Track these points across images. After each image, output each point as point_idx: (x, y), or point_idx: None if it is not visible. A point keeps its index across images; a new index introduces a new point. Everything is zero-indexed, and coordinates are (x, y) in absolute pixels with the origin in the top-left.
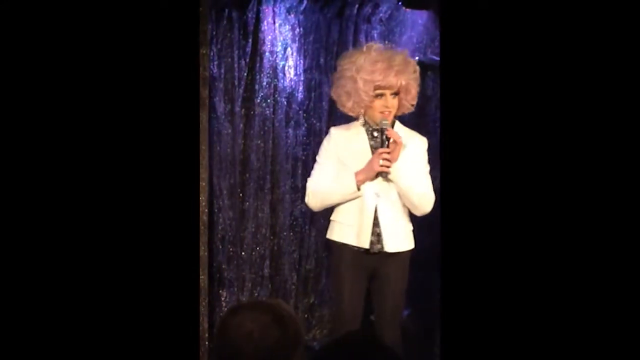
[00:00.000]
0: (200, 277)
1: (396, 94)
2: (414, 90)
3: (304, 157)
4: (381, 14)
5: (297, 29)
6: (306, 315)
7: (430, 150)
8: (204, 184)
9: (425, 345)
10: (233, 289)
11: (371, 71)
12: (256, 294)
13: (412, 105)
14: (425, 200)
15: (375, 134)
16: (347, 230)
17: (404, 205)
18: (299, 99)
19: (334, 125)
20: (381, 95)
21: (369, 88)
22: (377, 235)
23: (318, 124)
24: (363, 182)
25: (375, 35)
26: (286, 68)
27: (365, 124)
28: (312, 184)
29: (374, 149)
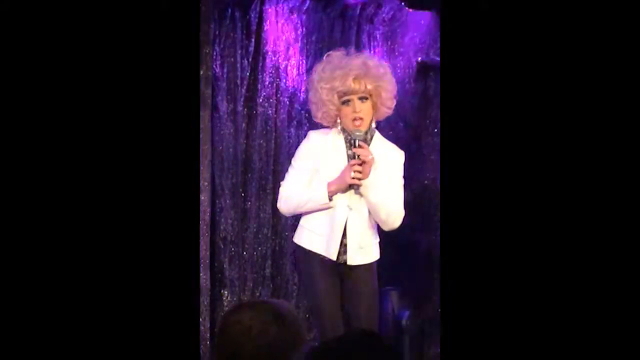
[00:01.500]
0: (202, 276)
1: (365, 98)
2: (386, 92)
3: None
4: (384, 15)
5: (300, 29)
6: (307, 315)
7: (431, 151)
8: (206, 183)
9: (425, 346)
10: (234, 289)
11: (331, 79)
12: (258, 294)
13: (390, 108)
14: (393, 217)
15: (352, 142)
16: (316, 238)
17: (374, 220)
18: (301, 98)
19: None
20: (348, 101)
21: (332, 96)
22: (344, 246)
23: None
24: (335, 193)
25: (378, 35)
26: (289, 68)
27: (344, 131)
28: (285, 189)
29: (350, 158)
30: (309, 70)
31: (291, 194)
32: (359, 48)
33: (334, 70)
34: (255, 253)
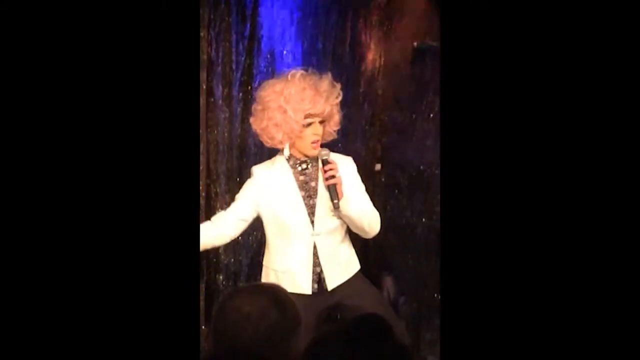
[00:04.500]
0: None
1: (322, 121)
2: (337, 116)
3: None
4: None
5: (295, 13)
6: None
7: (427, 136)
8: (201, 168)
9: (422, 331)
10: (230, 274)
11: (300, 99)
12: (253, 279)
13: (335, 130)
14: (374, 224)
15: (305, 165)
16: (283, 277)
17: (345, 232)
18: None
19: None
20: (310, 124)
21: (300, 117)
22: (317, 274)
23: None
24: None
25: (374, 20)
26: (284, 52)
27: (291, 157)
28: (217, 215)
29: (304, 183)
30: (304, 55)
31: (217, 219)
32: (354, 32)
33: (303, 90)
34: (250, 238)
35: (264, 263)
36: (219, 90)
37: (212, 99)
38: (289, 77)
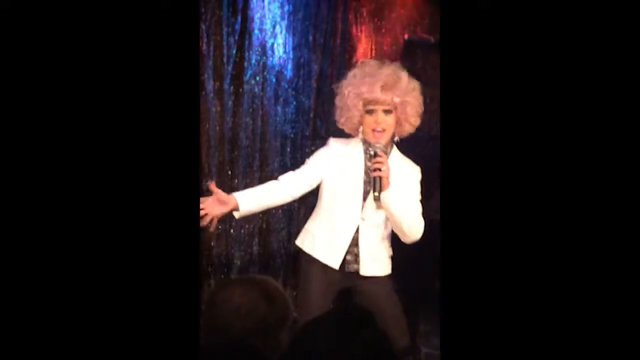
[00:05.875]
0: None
1: (389, 111)
2: (413, 109)
3: (292, 135)
4: None
5: (286, 7)
6: (295, 293)
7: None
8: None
9: (418, 323)
10: (222, 267)
11: (359, 84)
12: (245, 272)
13: (413, 125)
14: (415, 229)
15: (374, 153)
16: (319, 243)
17: (388, 235)
18: (288, 76)
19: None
20: (372, 111)
21: (357, 102)
22: (354, 255)
23: (307, 102)
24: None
25: (364, 12)
26: (275, 46)
27: (364, 142)
28: (287, 174)
29: (368, 169)
30: (295, 48)
31: (284, 179)
32: (345, 25)
33: (364, 76)
34: (242, 231)
35: (305, 227)
36: (210, 84)
37: (204, 93)
38: (359, 64)
